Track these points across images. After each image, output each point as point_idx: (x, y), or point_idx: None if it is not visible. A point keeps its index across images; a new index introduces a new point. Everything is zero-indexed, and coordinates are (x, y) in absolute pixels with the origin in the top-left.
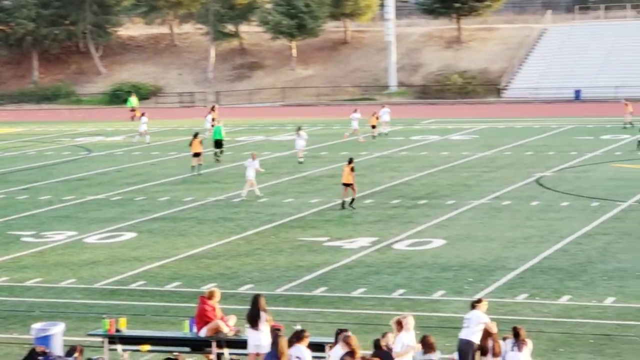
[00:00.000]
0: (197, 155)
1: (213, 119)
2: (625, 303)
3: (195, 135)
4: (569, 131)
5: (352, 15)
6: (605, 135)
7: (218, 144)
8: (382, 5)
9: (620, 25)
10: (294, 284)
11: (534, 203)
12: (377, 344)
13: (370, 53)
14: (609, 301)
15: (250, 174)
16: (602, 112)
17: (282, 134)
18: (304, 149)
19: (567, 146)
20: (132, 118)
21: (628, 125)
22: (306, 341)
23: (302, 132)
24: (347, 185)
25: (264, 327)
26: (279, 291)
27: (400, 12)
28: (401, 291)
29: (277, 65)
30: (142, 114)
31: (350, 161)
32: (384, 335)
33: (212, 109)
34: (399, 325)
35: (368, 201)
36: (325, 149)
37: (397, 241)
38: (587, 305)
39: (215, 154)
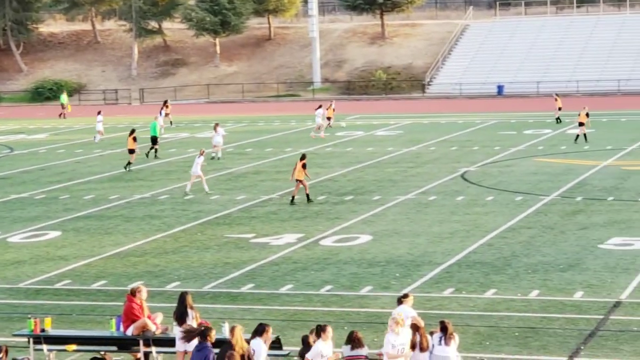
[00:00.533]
0: (131, 152)
1: (167, 114)
2: (549, 296)
3: (131, 132)
4: (493, 126)
5: (275, 11)
6: (527, 130)
7: (154, 140)
8: (305, 2)
9: (540, 21)
10: (221, 281)
11: (459, 198)
12: (305, 340)
13: (294, 49)
14: (533, 294)
15: (195, 169)
16: (524, 107)
17: (207, 131)
18: (221, 145)
19: (491, 141)
20: (61, 115)
21: (558, 120)
22: (266, 336)
23: (219, 129)
24: (298, 181)
25: (192, 325)
26: (206, 288)
27: (324, 9)
28: (328, 287)
29: (201, 62)
30: (99, 112)
31: (303, 157)
32: (311, 331)
33: (165, 104)
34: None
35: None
36: (250, 146)
37: (323, 237)
38: (512, 298)
39: (153, 150)
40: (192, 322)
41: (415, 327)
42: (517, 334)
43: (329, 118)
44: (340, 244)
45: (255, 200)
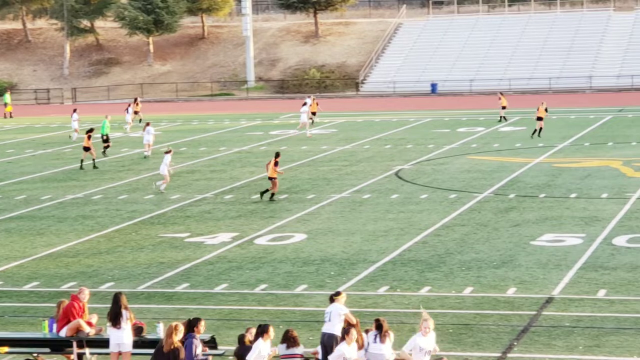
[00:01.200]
0: (86, 149)
1: (136, 112)
2: (482, 293)
3: (89, 131)
4: (426, 124)
5: (209, 10)
6: (461, 128)
7: (106, 138)
8: (239, 1)
9: (472, 19)
10: (155, 280)
11: (394, 196)
12: (241, 339)
13: (228, 48)
14: (467, 291)
15: (162, 168)
16: (457, 105)
17: (140, 131)
18: (151, 144)
19: (425, 139)
20: (5, 115)
21: (503, 119)
22: (267, 336)
23: (149, 128)
24: (272, 178)
25: (126, 326)
26: (140, 288)
27: (258, 7)
28: (263, 286)
29: (135, 61)
30: (74, 110)
31: (277, 155)
32: (247, 330)
33: (135, 101)
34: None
35: (228, 196)
36: (184, 145)
37: (258, 236)
38: (446, 295)
39: (104, 148)
40: (127, 322)
41: (349, 325)
42: (451, 330)
43: (313, 113)
44: (275, 243)
45: (189, 199)
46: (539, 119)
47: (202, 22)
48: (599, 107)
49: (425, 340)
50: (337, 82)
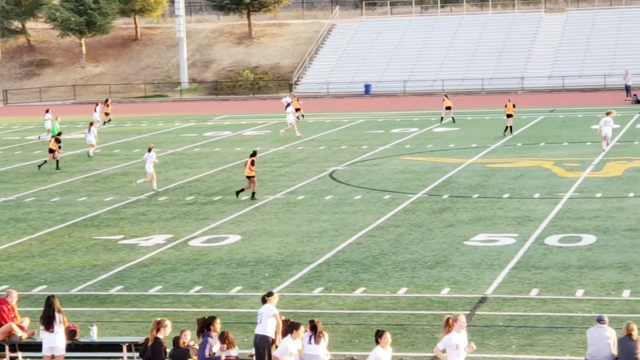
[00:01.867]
0: (50, 151)
1: (107, 113)
2: (417, 293)
3: (57, 134)
4: (360, 125)
5: (142, 11)
6: (395, 129)
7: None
8: (172, 2)
9: (405, 21)
10: (89, 283)
11: (328, 197)
12: (175, 342)
13: (161, 50)
14: (401, 292)
15: (149, 167)
16: (391, 106)
17: (73, 132)
18: (94, 144)
19: (359, 140)
20: None
21: (449, 119)
22: (296, 335)
23: (93, 128)
24: (250, 177)
25: (59, 329)
26: (74, 291)
27: (191, 9)
28: (198, 288)
29: (67, 62)
30: (47, 110)
31: (253, 154)
32: (182, 332)
33: (106, 102)
34: (447, 324)
35: (162, 198)
36: (118, 147)
37: (192, 238)
38: (381, 296)
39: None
40: (60, 326)
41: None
42: None
43: (297, 109)
44: (209, 245)
45: (123, 201)
46: (509, 116)
47: (135, 23)
48: (531, 108)
49: (460, 336)
50: (271, 83)
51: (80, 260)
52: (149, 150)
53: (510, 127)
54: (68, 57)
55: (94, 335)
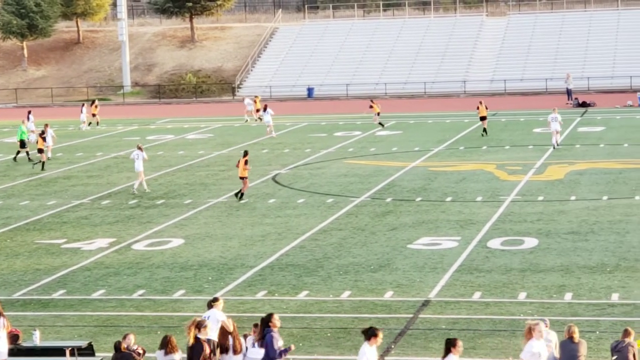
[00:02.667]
0: (40, 151)
1: (93, 115)
2: (360, 297)
3: (41, 133)
4: (303, 128)
5: (84, 15)
6: (338, 132)
7: (23, 144)
8: (114, 5)
9: (348, 24)
10: (31, 287)
11: (271, 200)
12: (117, 346)
13: (104, 53)
14: (345, 295)
15: (139, 166)
16: (334, 110)
17: (14, 136)
18: (50, 146)
19: (302, 143)
20: None
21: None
22: (374, 342)
23: (49, 130)
24: (243, 178)
25: (1, 333)
26: (16, 296)
27: (133, 12)
28: (141, 292)
29: (8, 65)
30: (29, 112)
31: (246, 154)
32: (124, 337)
33: (93, 103)
34: (529, 332)
35: (105, 202)
36: (60, 150)
37: (135, 241)
38: (324, 300)
39: (24, 153)
40: (2, 330)
41: (226, 331)
42: (329, 334)
43: (258, 110)
44: (152, 248)
45: (66, 205)
46: (483, 118)
47: (77, 26)
48: (473, 111)
49: (541, 344)
50: (214, 86)
51: (23, 264)
52: (139, 149)
53: (485, 128)
54: (10, 61)
55: (37, 339)
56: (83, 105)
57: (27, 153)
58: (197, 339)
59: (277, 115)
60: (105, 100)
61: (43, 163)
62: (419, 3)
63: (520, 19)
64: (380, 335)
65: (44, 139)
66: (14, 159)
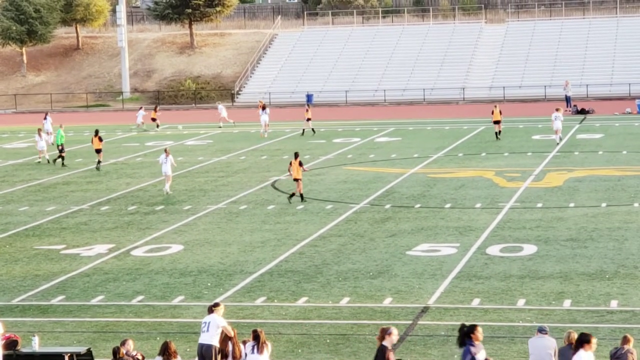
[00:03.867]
0: (98, 151)
1: (153, 119)
2: (359, 303)
3: (96, 133)
4: (303, 135)
5: (83, 21)
6: (337, 138)
7: (59, 148)
8: (114, 11)
9: (347, 31)
10: (30, 293)
11: (270, 207)
12: (116, 352)
13: (103, 59)
14: (344, 302)
15: (167, 169)
16: (333, 116)
17: (15, 142)
18: (45, 150)
19: (301, 150)
20: None
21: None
22: (588, 348)
23: (43, 134)
24: (297, 180)
25: None
26: (15, 301)
27: (132, 18)
28: (140, 298)
29: (8, 71)
30: (46, 114)
31: (297, 155)
32: (123, 342)
33: (155, 109)
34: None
35: (104, 208)
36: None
37: (135, 247)
38: (323, 306)
39: (60, 158)
40: None
41: (226, 337)
42: (328, 341)
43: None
44: (151, 254)
45: (65, 211)
46: (497, 122)
47: (77, 32)
48: (472, 118)
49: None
50: (213, 93)
51: (22, 270)
52: (166, 153)
53: (498, 132)
54: (9, 66)
55: (36, 345)
56: (141, 108)
57: (62, 158)
58: (382, 346)
59: (276, 121)
60: (104, 106)
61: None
62: (418, 10)
63: (519, 26)
64: (594, 341)
65: (100, 139)
66: (54, 161)
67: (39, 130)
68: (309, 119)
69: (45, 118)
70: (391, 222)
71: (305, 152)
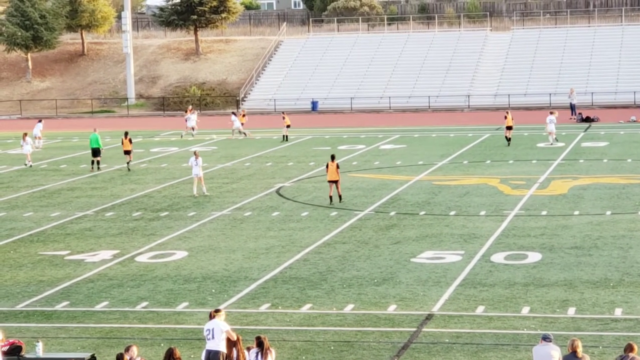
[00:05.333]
0: (127, 152)
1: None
2: (363, 310)
3: (126, 135)
4: (307, 142)
5: (89, 27)
6: (342, 145)
7: (95, 152)
8: (119, 17)
9: (352, 38)
10: (35, 299)
11: (275, 213)
12: (119, 358)
13: (108, 65)
14: (348, 308)
15: (197, 171)
16: (338, 123)
17: (20, 148)
18: (30, 153)
19: (306, 157)
20: None
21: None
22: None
23: (28, 138)
24: (333, 182)
25: None
26: (19, 307)
27: (138, 24)
28: (144, 304)
29: (13, 77)
30: (39, 120)
31: (334, 158)
32: (127, 348)
33: (242, 114)
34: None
35: (109, 214)
36: (64, 162)
37: (139, 253)
38: (327, 313)
39: (92, 162)
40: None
41: (232, 343)
42: (332, 348)
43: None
44: (156, 260)
45: (70, 216)
46: (509, 128)
47: (82, 38)
48: (477, 126)
49: None
50: (218, 99)
51: (26, 275)
52: (195, 155)
53: (509, 138)
54: (14, 72)
55: (40, 351)
56: (188, 111)
57: (98, 162)
58: None
59: (281, 128)
60: (109, 112)
61: (128, 163)
62: (424, 17)
63: (524, 34)
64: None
65: (130, 141)
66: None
67: (25, 134)
68: (288, 126)
69: (39, 122)
70: (396, 229)
71: (310, 159)
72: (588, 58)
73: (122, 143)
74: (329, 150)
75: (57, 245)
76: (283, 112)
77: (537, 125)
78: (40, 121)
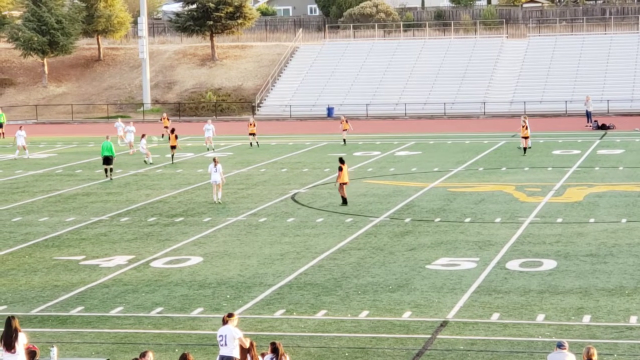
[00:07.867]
0: (173, 147)
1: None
2: (378, 316)
3: (172, 131)
4: (323, 148)
5: (105, 32)
6: (357, 152)
7: (107, 160)
8: (135, 23)
9: (368, 44)
10: (50, 304)
11: (290, 219)
12: None
13: (124, 70)
14: (363, 315)
15: (216, 178)
16: (354, 129)
17: (36, 152)
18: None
19: (321, 163)
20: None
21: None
22: None
23: (143, 140)
24: (345, 184)
25: (20, 350)
26: (34, 312)
27: (154, 30)
28: (159, 309)
29: (29, 82)
30: (20, 127)
31: (344, 161)
32: (143, 354)
33: (251, 125)
34: None
35: (124, 219)
36: (80, 167)
37: (154, 259)
38: (342, 319)
39: (106, 171)
40: (21, 346)
41: (245, 349)
42: (347, 354)
43: (252, 134)
44: (171, 266)
45: (85, 222)
46: (526, 137)
47: (98, 43)
48: (493, 133)
49: None
50: (234, 105)
51: (41, 280)
52: (215, 162)
53: (525, 147)
54: (30, 77)
55: (54, 356)
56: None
57: (111, 170)
58: None
59: (297, 134)
60: (125, 117)
61: (172, 156)
62: (440, 24)
63: (541, 41)
64: None
65: (176, 137)
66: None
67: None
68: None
69: (20, 129)
70: (411, 236)
71: (325, 165)
72: (604, 65)
73: (169, 139)
74: (344, 157)
75: (72, 250)
76: (343, 116)
77: (552, 132)
78: (21, 128)
